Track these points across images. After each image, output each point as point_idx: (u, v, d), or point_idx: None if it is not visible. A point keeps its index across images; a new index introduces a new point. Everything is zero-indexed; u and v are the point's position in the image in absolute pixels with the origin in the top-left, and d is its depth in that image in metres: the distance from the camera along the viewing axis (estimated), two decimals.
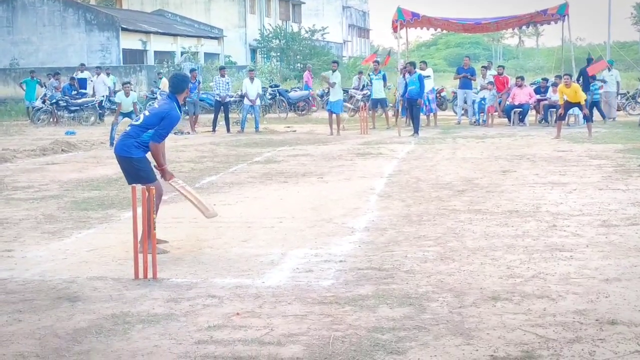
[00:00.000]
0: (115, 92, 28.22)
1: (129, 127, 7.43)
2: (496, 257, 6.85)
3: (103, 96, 27.40)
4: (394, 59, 28.57)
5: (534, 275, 6.19)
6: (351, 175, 12.51)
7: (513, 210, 9.06)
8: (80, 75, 29.33)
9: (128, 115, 17.93)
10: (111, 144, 17.93)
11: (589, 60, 23.72)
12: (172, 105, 7.31)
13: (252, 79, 22.76)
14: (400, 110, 22.46)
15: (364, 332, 4.91)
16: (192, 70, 24.34)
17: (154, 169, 7.35)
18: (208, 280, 6.23)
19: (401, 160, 14.52)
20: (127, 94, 18.25)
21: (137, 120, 7.42)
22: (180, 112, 7.58)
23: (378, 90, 22.72)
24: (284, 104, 28.83)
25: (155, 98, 26.99)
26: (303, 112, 28.81)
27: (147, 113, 7.38)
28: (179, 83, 7.47)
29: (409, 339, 4.77)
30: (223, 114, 22.30)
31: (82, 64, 31.22)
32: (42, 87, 27.77)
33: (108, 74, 28.67)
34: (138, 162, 7.27)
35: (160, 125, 7.21)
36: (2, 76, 36.82)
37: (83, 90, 28.23)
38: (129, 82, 19.57)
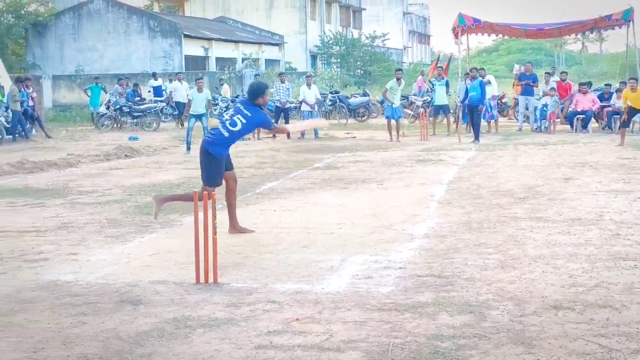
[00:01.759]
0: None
1: (227, 132, 8.12)
2: (558, 265, 6.75)
3: (161, 102, 27.83)
4: (455, 65, 28.37)
5: (597, 285, 6.08)
6: (411, 182, 12.46)
7: (575, 218, 8.91)
8: (155, 83, 29.80)
9: (199, 117, 17.97)
10: (188, 148, 18.13)
11: None
12: (262, 112, 8.34)
13: (309, 85, 22.84)
14: (460, 116, 22.29)
15: (424, 339, 4.88)
16: (255, 76, 24.55)
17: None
18: (268, 286, 6.27)
19: (462, 167, 14.41)
20: (200, 90, 18.29)
21: (233, 126, 8.10)
22: None
23: (440, 97, 22.58)
24: (344, 110, 28.87)
25: (217, 104, 27.35)
26: (363, 118, 28.80)
27: (243, 120, 8.09)
28: (253, 92, 8.24)
29: (469, 347, 4.73)
30: (283, 120, 22.42)
31: (155, 73, 31.74)
32: (106, 93, 28.33)
33: (180, 80, 28.89)
34: (218, 164, 8.12)
35: (246, 127, 8.25)
36: (68, 82, 37.64)
37: (159, 98, 28.66)
38: (201, 78, 19.72)
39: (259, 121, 8.32)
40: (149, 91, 29.91)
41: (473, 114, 20.27)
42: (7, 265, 7.12)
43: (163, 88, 29.47)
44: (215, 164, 8.15)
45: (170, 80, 29.50)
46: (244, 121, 8.10)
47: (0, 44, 34.65)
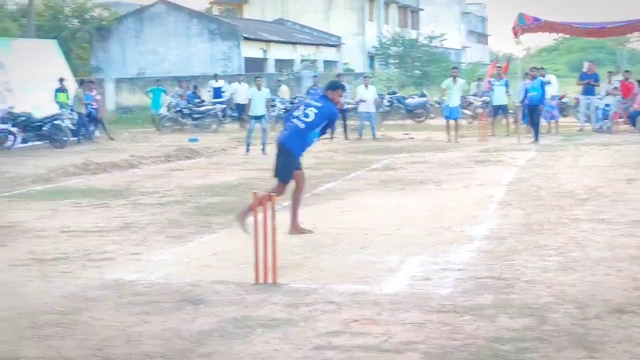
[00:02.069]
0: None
1: (302, 124, 8.34)
2: (621, 268, 6.63)
3: (220, 104, 28.10)
4: (514, 64, 28.06)
5: None
6: (470, 183, 12.36)
7: (639, 220, 8.74)
8: (215, 84, 30.11)
9: (259, 119, 18.09)
10: (247, 150, 18.30)
11: None
12: (333, 105, 8.54)
13: (366, 86, 22.83)
14: (520, 117, 22.02)
15: (483, 342, 4.85)
16: (313, 77, 24.62)
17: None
18: (327, 286, 6.29)
19: (521, 168, 14.24)
20: (259, 88, 18.40)
21: (307, 117, 8.33)
22: None
23: (500, 97, 22.34)
24: (401, 110, 28.76)
25: (275, 106, 27.51)
26: (421, 119, 28.66)
27: (315, 111, 8.35)
28: (331, 84, 8.86)
29: (529, 350, 4.69)
30: (342, 121, 22.43)
31: (216, 74, 32.05)
32: (167, 95, 28.71)
33: (241, 82, 29.04)
34: (293, 160, 8.40)
35: (327, 124, 8.54)
36: (130, 85, 38.23)
37: (218, 99, 28.91)
38: (260, 76, 19.83)
39: (329, 112, 8.47)
40: (209, 91, 30.19)
41: (533, 114, 20.02)
42: (73, 265, 7.29)
43: (223, 90, 29.72)
44: (290, 160, 8.38)
45: (230, 82, 29.77)
46: (315, 111, 8.34)
47: (66, 48, 35.28)
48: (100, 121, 24.26)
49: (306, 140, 8.45)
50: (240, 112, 26.77)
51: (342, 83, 9.31)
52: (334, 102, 8.55)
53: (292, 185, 8.53)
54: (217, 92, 29.61)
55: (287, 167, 8.40)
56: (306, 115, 8.37)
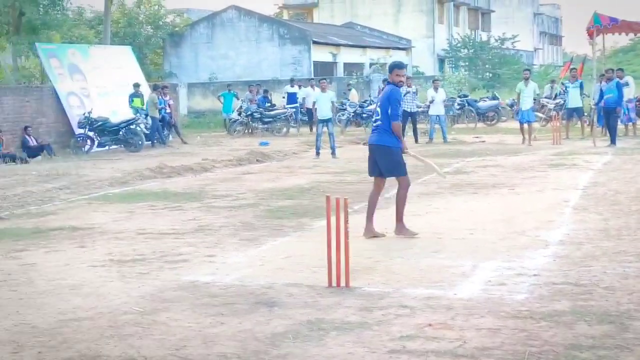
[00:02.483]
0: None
1: (376, 122, 8.53)
2: None
3: (293, 108, 28.27)
4: (589, 66, 27.48)
5: None
6: (544, 187, 12.17)
7: None
8: (290, 89, 30.30)
9: (326, 122, 18.16)
10: (317, 153, 18.42)
11: None
12: (390, 87, 8.51)
13: (436, 89, 22.66)
14: (595, 119, 21.57)
15: (561, 349, 4.77)
16: (383, 81, 24.56)
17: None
18: (400, 290, 6.27)
19: (597, 172, 13.95)
20: (323, 90, 18.49)
21: (376, 115, 8.52)
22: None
23: (574, 99, 21.93)
24: (472, 113, 28.49)
25: (345, 109, 27.54)
26: (492, 122, 28.34)
27: (378, 103, 8.60)
28: (389, 66, 8.83)
29: (609, 358, 4.59)
30: (411, 125, 22.33)
31: (292, 79, 32.28)
32: (238, 99, 29.03)
33: (313, 86, 29.18)
34: (397, 152, 8.46)
35: (391, 106, 8.37)
36: (202, 90, 38.79)
37: (292, 105, 29.02)
38: (325, 78, 19.93)
39: (387, 95, 8.47)
40: (283, 97, 30.35)
41: (609, 117, 19.57)
42: (150, 266, 7.44)
43: (297, 95, 29.86)
44: (394, 155, 8.48)
45: (300, 87, 29.90)
46: (382, 100, 8.52)
47: (140, 54, 36.07)
48: (173, 125, 24.71)
49: (390, 128, 8.43)
50: (310, 116, 26.89)
51: (398, 61, 9.10)
52: (394, 83, 8.53)
53: (389, 183, 8.98)
54: (292, 97, 29.74)
55: (395, 161, 8.49)
56: (376, 114, 8.59)
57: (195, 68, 42.97)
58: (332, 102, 18.62)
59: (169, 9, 45.39)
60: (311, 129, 26.21)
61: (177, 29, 43.77)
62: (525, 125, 20.46)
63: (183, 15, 46.84)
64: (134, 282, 6.80)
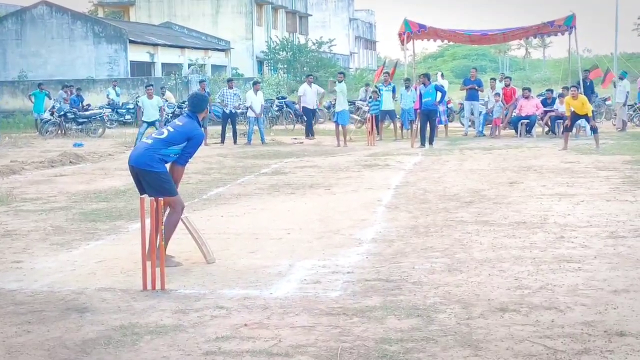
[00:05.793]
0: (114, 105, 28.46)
1: (151, 140, 7.30)
2: (504, 268, 6.84)
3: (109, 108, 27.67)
4: (400, 70, 28.61)
5: (542, 287, 6.18)
6: (358, 187, 12.52)
7: (520, 222, 9.05)
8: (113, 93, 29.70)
9: (152, 124, 18.04)
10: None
11: (587, 72, 24.32)
12: (196, 124, 7.33)
13: (256, 92, 22.79)
14: (404, 122, 22.61)
15: (372, 343, 4.91)
16: (200, 82, 24.45)
17: None
18: (216, 292, 6.24)
19: (408, 172, 14.52)
20: (149, 97, 18.38)
21: (160, 134, 7.29)
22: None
23: (387, 102, 22.77)
24: (290, 115, 28.86)
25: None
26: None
27: (171, 129, 7.28)
28: (199, 103, 7.52)
29: (416, 350, 4.77)
30: (231, 126, 22.33)
31: (114, 85, 31.60)
32: (50, 99, 27.87)
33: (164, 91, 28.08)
34: (164, 175, 7.17)
35: (188, 145, 7.22)
36: (11, 89, 36.99)
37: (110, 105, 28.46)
38: (151, 85, 19.73)
39: (191, 133, 7.25)
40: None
41: (429, 119, 20.21)
42: None
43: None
44: (165, 177, 7.22)
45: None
46: (171, 130, 7.31)
47: None
48: None
49: (163, 153, 7.21)
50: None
51: (203, 94, 7.76)
52: (202, 117, 7.52)
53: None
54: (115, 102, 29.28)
55: (165, 184, 7.16)
56: (160, 133, 7.37)
57: (4, 65, 40.89)
58: (160, 107, 18.92)
59: None
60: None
61: None
62: (341, 127, 20.94)
63: None
64: None
